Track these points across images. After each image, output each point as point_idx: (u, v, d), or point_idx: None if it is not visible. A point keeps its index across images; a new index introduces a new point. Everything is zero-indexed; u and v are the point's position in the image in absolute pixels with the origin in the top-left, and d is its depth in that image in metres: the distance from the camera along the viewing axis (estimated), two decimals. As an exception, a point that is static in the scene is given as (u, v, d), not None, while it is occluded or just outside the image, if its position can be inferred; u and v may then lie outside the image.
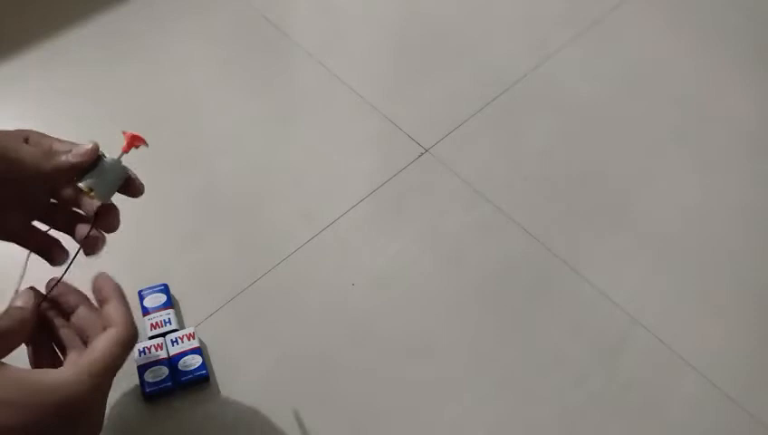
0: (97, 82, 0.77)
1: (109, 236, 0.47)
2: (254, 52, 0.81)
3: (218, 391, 0.56)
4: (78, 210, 0.47)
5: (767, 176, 0.73)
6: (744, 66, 0.83)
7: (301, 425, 0.55)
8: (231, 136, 0.73)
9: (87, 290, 0.47)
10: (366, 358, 0.59)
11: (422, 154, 0.73)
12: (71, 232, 0.46)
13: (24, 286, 0.45)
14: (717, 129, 0.77)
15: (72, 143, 0.44)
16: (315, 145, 0.73)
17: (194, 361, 0.56)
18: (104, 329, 0.42)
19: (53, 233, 0.47)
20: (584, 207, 0.70)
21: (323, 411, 0.56)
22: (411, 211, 0.69)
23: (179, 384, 0.55)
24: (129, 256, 0.62)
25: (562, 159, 0.74)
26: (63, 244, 0.48)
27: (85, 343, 0.43)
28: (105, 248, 0.47)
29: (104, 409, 0.43)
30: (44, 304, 0.45)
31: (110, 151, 0.45)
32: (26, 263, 0.45)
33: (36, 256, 0.47)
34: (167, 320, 0.58)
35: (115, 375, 0.43)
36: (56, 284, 0.45)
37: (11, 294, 0.44)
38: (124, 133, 0.45)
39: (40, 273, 0.46)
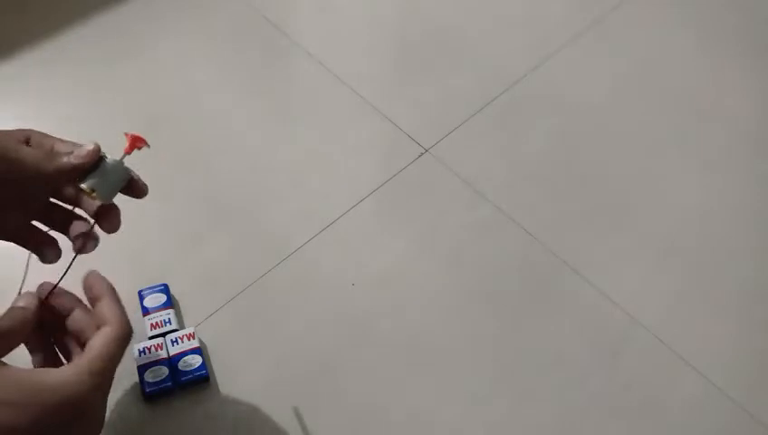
0: (97, 82, 0.77)
1: (109, 236, 0.47)
2: (254, 52, 0.81)
3: (218, 391, 0.56)
4: (77, 210, 0.47)
5: (767, 176, 0.73)
6: (744, 66, 0.83)
7: (300, 425, 0.55)
8: (231, 136, 0.73)
9: (79, 292, 0.46)
10: (366, 358, 0.59)
11: (422, 154, 0.73)
12: (66, 231, 0.46)
13: (26, 287, 0.45)
14: (717, 129, 0.77)
15: (74, 143, 0.44)
16: (315, 145, 0.73)
17: (194, 361, 0.56)
18: (98, 328, 0.42)
19: (52, 233, 0.47)
20: (584, 207, 0.70)
21: (323, 411, 0.56)
22: (411, 211, 0.69)
23: (179, 384, 0.55)
24: (129, 256, 0.62)
25: (562, 159, 0.74)
26: (60, 244, 0.48)
27: (83, 344, 0.43)
28: (104, 248, 0.46)
29: (105, 408, 0.43)
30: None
31: (112, 151, 0.45)
32: (28, 264, 0.45)
33: (37, 257, 0.47)
34: (167, 320, 0.58)
35: (114, 373, 0.43)
36: (55, 286, 0.45)
37: (12, 294, 0.44)
38: (126, 135, 0.45)
39: (43, 274, 0.46)
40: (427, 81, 0.80)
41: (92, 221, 0.45)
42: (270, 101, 0.77)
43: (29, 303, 0.43)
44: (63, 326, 0.45)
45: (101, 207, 0.45)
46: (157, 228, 0.65)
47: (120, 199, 0.46)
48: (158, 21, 0.83)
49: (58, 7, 0.83)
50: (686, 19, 0.88)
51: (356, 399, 0.57)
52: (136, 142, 0.44)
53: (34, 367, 0.44)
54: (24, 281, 0.45)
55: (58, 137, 0.45)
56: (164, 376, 0.55)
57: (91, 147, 0.43)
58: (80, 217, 0.47)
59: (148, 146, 0.45)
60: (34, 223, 0.47)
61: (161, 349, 0.56)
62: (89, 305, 0.45)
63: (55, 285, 0.45)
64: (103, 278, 0.45)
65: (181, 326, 0.59)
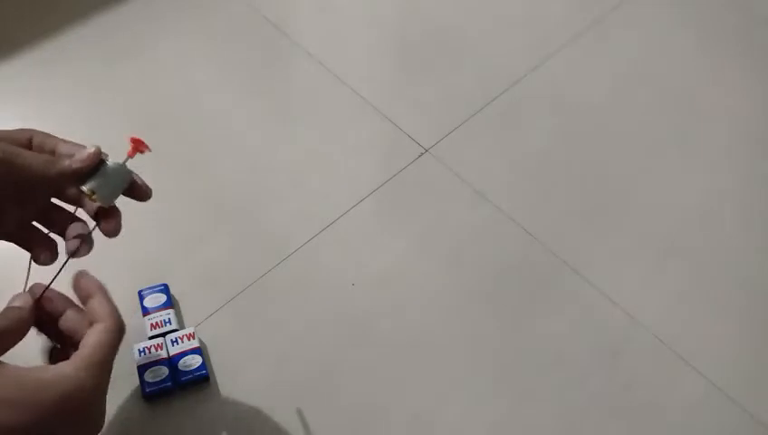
0: (97, 82, 0.77)
1: (109, 236, 0.47)
2: (254, 52, 0.81)
3: (218, 391, 0.56)
4: (79, 211, 0.47)
5: (767, 176, 0.73)
6: (744, 66, 0.83)
7: (300, 425, 0.55)
8: (231, 136, 0.73)
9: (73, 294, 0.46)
10: (366, 358, 0.59)
11: (422, 154, 0.73)
12: (63, 232, 0.46)
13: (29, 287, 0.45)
14: (718, 128, 0.77)
15: (76, 144, 0.44)
16: (315, 145, 0.73)
17: (194, 361, 0.56)
18: (91, 325, 0.43)
19: (52, 235, 0.47)
20: (584, 207, 0.70)
21: (323, 411, 0.56)
22: (411, 211, 0.69)
23: (179, 384, 0.55)
24: (130, 256, 0.62)
25: (562, 159, 0.74)
26: (59, 247, 0.47)
27: (76, 344, 0.43)
28: (104, 248, 0.46)
29: (104, 406, 0.43)
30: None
31: (114, 152, 0.45)
32: (30, 265, 0.45)
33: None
34: (167, 320, 0.58)
35: (111, 370, 0.43)
36: (47, 287, 0.45)
37: (11, 295, 0.44)
38: (129, 138, 0.45)
39: (46, 274, 0.46)
40: (427, 81, 0.80)
41: (92, 224, 0.45)
42: (270, 101, 0.77)
43: (25, 302, 0.43)
44: (57, 328, 0.45)
45: (102, 209, 0.45)
46: (157, 228, 0.65)
47: (121, 200, 0.46)
48: (158, 21, 0.83)
49: (58, 7, 0.83)
50: (686, 19, 0.88)
51: (356, 399, 0.57)
52: (139, 146, 0.44)
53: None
54: (27, 281, 0.45)
55: (60, 137, 0.45)
56: (164, 376, 0.55)
57: (92, 150, 0.43)
58: (79, 219, 0.47)
59: (150, 150, 0.45)
60: (36, 224, 0.47)
61: (161, 349, 0.56)
62: (81, 305, 0.45)
63: (46, 287, 0.45)
64: (92, 277, 0.45)
65: (181, 326, 0.59)
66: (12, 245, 0.46)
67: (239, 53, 0.81)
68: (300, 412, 0.56)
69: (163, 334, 0.58)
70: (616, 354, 0.60)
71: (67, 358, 0.40)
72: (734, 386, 0.58)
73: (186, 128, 0.74)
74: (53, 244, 0.47)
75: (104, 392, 0.42)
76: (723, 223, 0.69)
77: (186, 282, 0.62)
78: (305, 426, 0.55)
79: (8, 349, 0.40)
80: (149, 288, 0.60)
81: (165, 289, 0.60)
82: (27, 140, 0.44)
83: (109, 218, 0.45)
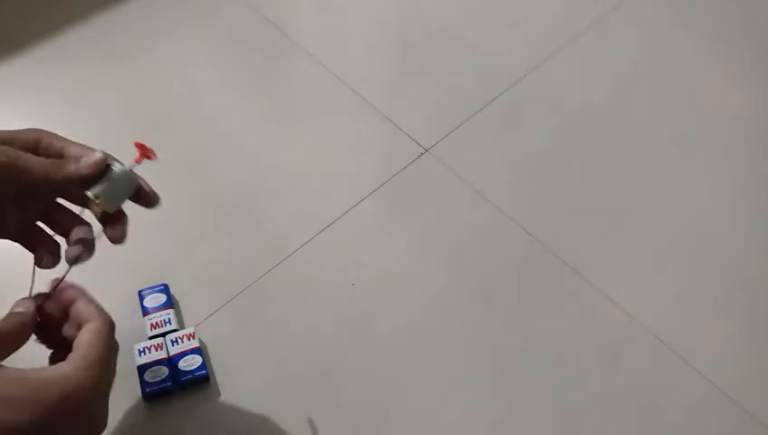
0: (97, 82, 0.77)
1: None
2: (254, 52, 0.81)
3: (218, 392, 0.56)
4: (85, 213, 0.47)
5: (767, 176, 0.73)
6: (744, 66, 0.83)
7: (300, 425, 0.55)
8: (231, 136, 0.73)
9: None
10: (366, 358, 0.59)
11: (422, 154, 0.73)
12: (67, 234, 0.46)
13: (35, 290, 0.45)
14: (718, 129, 0.77)
15: (85, 147, 0.44)
16: (315, 145, 0.73)
17: (194, 361, 0.56)
18: (80, 327, 0.42)
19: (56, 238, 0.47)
20: (584, 207, 0.70)
21: (323, 411, 0.56)
22: (411, 211, 0.69)
23: (179, 384, 0.55)
24: (130, 257, 0.62)
25: (562, 159, 0.74)
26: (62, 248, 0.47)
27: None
28: (104, 248, 0.46)
29: (107, 407, 0.43)
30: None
31: (115, 153, 0.45)
32: (34, 268, 0.45)
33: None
34: (167, 320, 0.58)
35: (114, 372, 0.43)
36: (50, 294, 0.45)
37: (11, 296, 0.44)
38: (136, 144, 0.44)
39: (50, 276, 0.46)
40: (428, 81, 0.80)
41: (97, 226, 0.45)
42: (270, 101, 0.77)
43: (27, 308, 0.43)
44: (58, 334, 0.45)
45: (108, 214, 0.45)
46: (157, 229, 0.65)
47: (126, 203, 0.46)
48: (157, 21, 0.83)
49: (58, 7, 0.83)
50: (686, 19, 0.88)
51: (356, 399, 0.57)
52: (146, 153, 0.44)
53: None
54: (32, 284, 0.45)
55: (68, 139, 0.45)
56: (164, 376, 0.55)
57: (98, 156, 0.43)
58: (83, 223, 0.46)
59: (158, 158, 0.45)
60: (42, 226, 0.46)
61: (161, 349, 0.56)
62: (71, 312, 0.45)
63: (48, 295, 0.45)
64: (70, 283, 0.45)
65: (181, 326, 0.59)
66: (12, 245, 0.46)
67: (239, 53, 0.81)
68: (299, 412, 0.56)
69: (163, 334, 0.58)
70: (616, 354, 0.60)
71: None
72: (734, 386, 0.58)
73: (186, 128, 0.74)
74: (56, 247, 0.46)
75: (106, 393, 0.42)
76: (723, 223, 0.69)
77: (186, 282, 0.62)
78: (305, 426, 0.55)
79: (9, 353, 0.40)
80: (149, 288, 0.60)
81: (165, 289, 0.60)
82: (35, 141, 0.44)
83: (115, 224, 0.45)
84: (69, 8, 0.83)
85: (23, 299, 0.44)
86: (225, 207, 0.68)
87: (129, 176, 0.44)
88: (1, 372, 0.37)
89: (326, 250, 0.65)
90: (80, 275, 0.45)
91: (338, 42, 0.83)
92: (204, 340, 0.59)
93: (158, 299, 0.59)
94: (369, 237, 0.66)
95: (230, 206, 0.68)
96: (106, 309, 0.44)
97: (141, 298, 0.60)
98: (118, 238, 0.45)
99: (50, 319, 0.45)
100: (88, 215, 0.47)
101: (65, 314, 0.45)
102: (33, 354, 0.44)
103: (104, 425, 0.43)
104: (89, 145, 0.45)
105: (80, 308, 0.44)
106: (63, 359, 0.42)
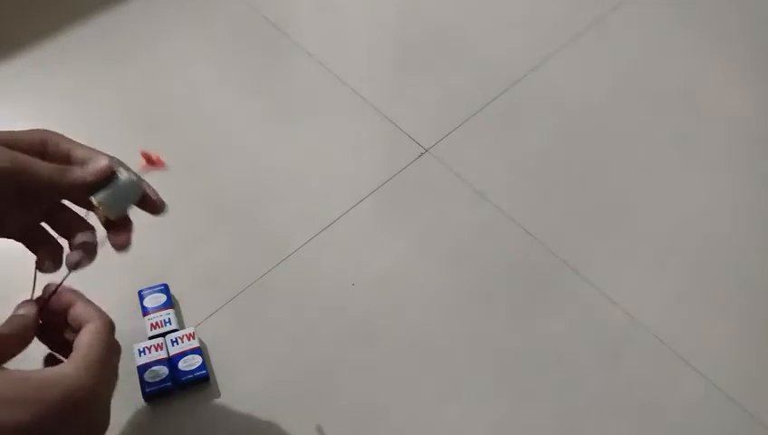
0: (97, 82, 0.77)
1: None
2: (254, 52, 0.81)
3: (218, 392, 0.56)
4: (91, 216, 0.46)
5: (767, 176, 0.73)
6: (744, 66, 0.83)
7: (300, 425, 0.55)
8: (231, 136, 0.73)
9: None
10: (366, 358, 0.59)
11: (422, 154, 0.73)
12: (69, 236, 0.46)
13: (37, 291, 0.44)
14: (718, 129, 0.77)
15: (92, 150, 0.44)
16: (315, 145, 0.73)
17: (194, 361, 0.56)
18: (79, 330, 0.42)
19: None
20: (584, 207, 0.70)
21: (323, 411, 0.56)
22: (411, 211, 0.69)
23: (179, 384, 0.55)
24: (130, 256, 0.61)
25: (562, 159, 0.74)
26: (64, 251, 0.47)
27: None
28: (103, 248, 0.46)
29: (109, 407, 0.43)
30: None
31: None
32: (36, 270, 0.45)
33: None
34: (167, 320, 0.58)
35: (117, 374, 0.43)
36: (48, 298, 0.45)
37: (11, 296, 0.44)
38: (143, 153, 0.44)
39: (53, 277, 0.46)
40: (428, 81, 0.80)
41: (102, 232, 0.45)
42: (270, 101, 0.77)
43: (29, 311, 0.43)
44: (59, 336, 0.45)
45: (113, 222, 0.45)
46: (157, 228, 0.65)
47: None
48: (157, 21, 0.83)
49: (58, 7, 0.83)
50: (686, 19, 0.88)
51: (356, 398, 0.57)
52: (152, 162, 0.44)
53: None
54: (34, 286, 0.44)
55: (76, 141, 0.45)
56: (164, 376, 0.55)
57: (104, 162, 0.43)
58: (87, 227, 0.46)
59: (166, 168, 0.45)
60: (49, 230, 0.46)
61: (161, 349, 0.56)
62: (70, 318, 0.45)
63: (46, 300, 0.44)
64: (65, 287, 0.45)
65: (181, 326, 0.59)
66: (12, 246, 0.46)
67: (239, 53, 0.81)
68: (299, 412, 0.56)
69: (163, 334, 0.58)
70: (616, 354, 0.60)
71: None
72: (734, 386, 0.58)
73: (186, 128, 0.74)
74: (58, 251, 0.46)
75: (108, 393, 0.42)
76: (723, 223, 0.69)
77: (186, 282, 0.62)
78: (305, 426, 0.55)
79: (13, 356, 0.40)
80: (149, 288, 0.60)
81: (165, 289, 0.60)
82: (41, 142, 0.43)
83: (120, 231, 0.45)
84: (69, 8, 0.83)
85: (25, 302, 0.44)
86: (225, 207, 0.68)
87: (135, 184, 0.44)
88: (3, 373, 0.37)
89: (326, 250, 0.65)
90: (80, 276, 0.45)
91: (338, 42, 0.83)
92: (204, 340, 0.59)
93: (158, 299, 0.59)
94: (369, 237, 0.66)
95: (230, 206, 0.68)
96: (105, 310, 0.45)
97: (141, 298, 0.60)
98: (121, 246, 0.45)
99: (51, 321, 0.45)
100: (94, 218, 0.47)
101: (65, 317, 0.45)
102: (35, 355, 0.44)
103: (106, 425, 0.42)
104: (95, 147, 0.45)
105: (78, 310, 0.44)
106: (61, 361, 0.42)
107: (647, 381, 0.59)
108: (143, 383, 0.55)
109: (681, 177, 0.73)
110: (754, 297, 0.64)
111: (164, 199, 0.47)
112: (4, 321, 0.42)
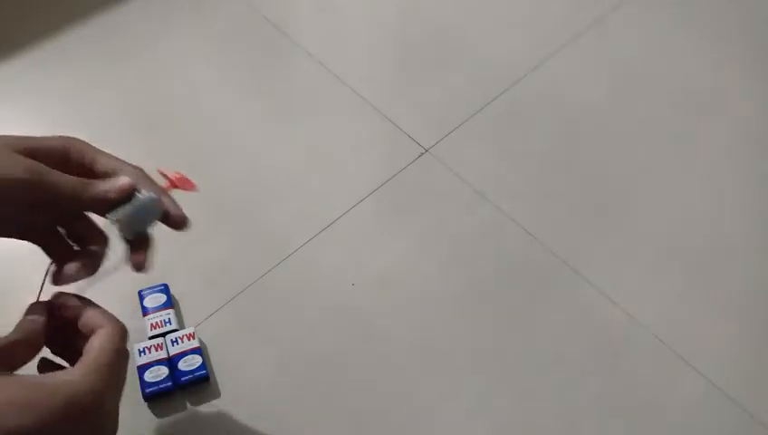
0: (97, 82, 0.77)
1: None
2: (254, 52, 0.81)
3: (218, 392, 0.56)
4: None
5: (767, 176, 0.73)
6: (744, 66, 0.83)
7: (300, 425, 0.55)
8: (231, 136, 0.73)
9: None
10: (366, 358, 0.59)
11: (422, 154, 0.73)
12: (82, 246, 0.46)
13: (44, 295, 0.44)
14: (718, 129, 0.77)
15: (116, 159, 0.43)
16: (315, 145, 0.73)
17: (194, 361, 0.56)
18: (90, 335, 0.42)
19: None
20: (584, 207, 0.70)
21: (323, 411, 0.56)
22: (411, 211, 0.69)
23: (179, 384, 0.55)
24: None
25: (562, 159, 0.74)
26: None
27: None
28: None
29: (116, 412, 0.42)
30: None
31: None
32: (46, 272, 0.44)
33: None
34: (167, 320, 0.58)
35: (125, 378, 0.43)
36: (59, 296, 0.44)
37: (11, 295, 0.44)
38: (165, 175, 0.44)
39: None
40: (427, 81, 0.80)
41: (121, 248, 0.44)
42: (270, 101, 0.77)
43: (38, 315, 0.42)
44: (64, 341, 0.45)
45: (133, 240, 0.44)
46: (156, 228, 0.65)
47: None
48: (158, 21, 0.83)
49: (58, 7, 0.83)
50: (686, 19, 0.88)
51: (356, 398, 0.57)
52: (177, 186, 0.44)
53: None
54: (42, 288, 0.44)
55: (100, 149, 0.44)
56: (164, 376, 0.55)
57: (126, 181, 0.42)
58: (101, 240, 0.45)
59: (197, 190, 0.44)
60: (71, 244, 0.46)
61: (161, 349, 0.56)
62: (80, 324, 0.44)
63: (56, 307, 0.44)
64: (72, 295, 0.44)
65: (181, 326, 0.59)
66: (13, 245, 0.45)
67: (239, 53, 0.81)
68: (299, 412, 0.56)
69: (163, 334, 0.58)
70: (616, 354, 0.60)
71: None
72: (734, 386, 0.58)
73: (186, 128, 0.74)
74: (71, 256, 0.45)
75: (116, 399, 0.42)
76: (723, 223, 0.69)
77: (186, 282, 0.62)
78: (305, 426, 0.55)
79: (24, 363, 0.40)
80: (149, 288, 0.60)
81: (165, 289, 0.60)
82: (63, 150, 0.43)
83: (138, 250, 0.45)
84: (69, 8, 0.83)
85: (34, 305, 0.43)
86: (225, 207, 0.68)
87: (155, 203, 0.43)
88: (13, 379, 0.37)
89: (326, 250, 0.65)
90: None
91: (338, 42, 0.83)
92: (204, 340, 0.59)
93: (158, 299, 0.59)
94: (369, 237, 0.66)
95: (230, 206, 0.68)
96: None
97: (141, 298, 0.60)
98: (138, 266, 0.45)
99: (57, 325, 0.44)
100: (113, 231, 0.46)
101: (72, 322, 0.44)
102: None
103: (114, 430, 0.42)
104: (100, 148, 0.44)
105: (90, 315, 0.43)
106: (62, 367, 0.42)
107: (647, 381, 0.59)
108: (143, 383, 0.55)
109: (681, 177, 0.73)
110: (754, 297, 0.64)
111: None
112: (14, 326, 0.41)
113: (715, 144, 0.75)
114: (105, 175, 0.43)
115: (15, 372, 0.38)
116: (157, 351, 0.56)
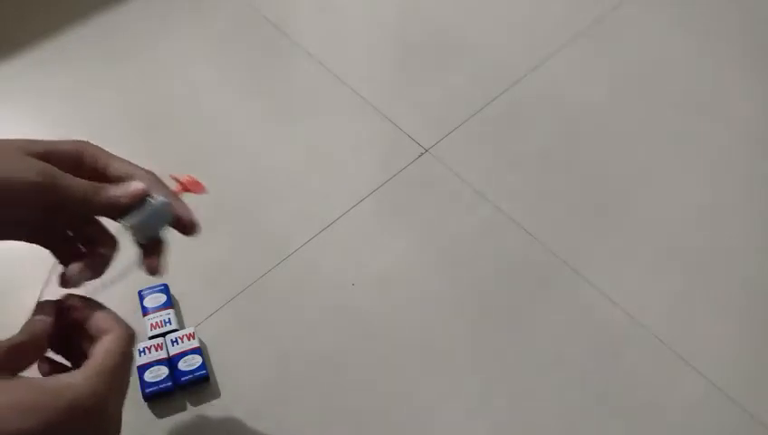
0: (97, 82, 0.77)
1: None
2: (254, 52, 0.81)
3: (218, 392, 0.56)
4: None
5: (767, 176, 0.73)
6: (744, 66, 0.83)
7: (300, 425, 0.55)
8: (231, 136, 0.73)
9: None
10: (366, 358, 0.59)
11: (422, 154, 0.73)
12: (91, 249, 0.45)
13: (44, 295, 0.44)
14: (718, 129, 0.77)
15: (129, 164, 0.43)
16: (315, 145, 0.73)
17: (194, 361, 0.56)
18: (96, 337, 0.42)
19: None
20: (584, 207, 0.70)
21: (323, 411, 0.56)
22: (411, 211, 0.69)
23: (179, 384, 0.55)
24: (129, 257, 0.62)
25: (562, 158, 0.74)
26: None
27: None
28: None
29: (120, 415, 0.42)
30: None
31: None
32: (51, 272, 0.44)
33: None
34: (167, 320, 0.58)
35: (128, 382, 0.42)
36: (69, 297, 0.44)
37: (12, 295, 0.44)
38: (177, 179, 0.44)
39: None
40: (427, 81, 0.80)
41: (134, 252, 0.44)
42: (270, 101, 0.77)
43: (45, 316, 0.42)
44: (66, 343, 0.45)
45: (146, 244, 0.44)
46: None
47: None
48: (158, 21, 0.83)
49: (58, 7, 0.83)
50: (686, 19, 0.88)
51: (356, 398, 0.57)
52: (188, 189, 0.44)
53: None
54: (43, 288, 0.44)
55: (113, 154, 0.44)
56: (164, 376, 0.55)
57: (138, 186, 0.42)
58: (110, 244, 0.45)
59: (207, 192, 0.44)
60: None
61: (161, 349, 0.56)
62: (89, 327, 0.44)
63: (65, 308, 0.44)
64: (78, 297, 0.44)
65: (181, 326, 0.59)
66: (13, 246, 0.45)
67: (239, 53, 0.81)
68: (299, 412, 0.56)
69: (163, 334, 0.58)
70: (616, 354, 0.60)
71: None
72: (734, 386, 0.58)
73: (186, 128, 0.74)
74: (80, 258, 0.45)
75: (119, 402, 0.42)
76: (723, 223, 0.69)
77: (186, 282, 0.62)
78: (305, 426, 0.55)
79: (29, 365, 0.40)
80: (149, 288, 0.60)
81: (165, 289, 0.60)
82: (76, 153, 0.43)
83: (151, 254, 0.45)
84: (69, 8, 0.83)
85: (42, 304, 0.43)
86: (225, 207, 0.68)
87: (166, 209, 0.44)
88: (17, 381, 0.37)
89: (326, 250, 0.65)
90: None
91: (338, 42, 0.83)
92: (204, 340, 0.59)
93: (158, 299, 0.59)
94: (369, 237, 0.66)
95: (230, 206, 0.68)
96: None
97: (141, 298, 0.60)
98: (152, 269, 0.45)
99: (63, 326, 0.44)
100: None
101: (78, 324, 0.44)
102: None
103: (117, 433, 0.42)
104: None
105: (100, 317, 0.43)
106: (63, 370, 0.42)
107: (647, 381, 0.59)
108: (143, 383, 0.55)
109: (681, 177, 0.73)
110: (754, 297, 0.64)
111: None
112: (21, 326, 0.41)
113: (715, 144, 0.75)
114: (118, 179, 0.43)
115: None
116: (157, 351, 0.56)
